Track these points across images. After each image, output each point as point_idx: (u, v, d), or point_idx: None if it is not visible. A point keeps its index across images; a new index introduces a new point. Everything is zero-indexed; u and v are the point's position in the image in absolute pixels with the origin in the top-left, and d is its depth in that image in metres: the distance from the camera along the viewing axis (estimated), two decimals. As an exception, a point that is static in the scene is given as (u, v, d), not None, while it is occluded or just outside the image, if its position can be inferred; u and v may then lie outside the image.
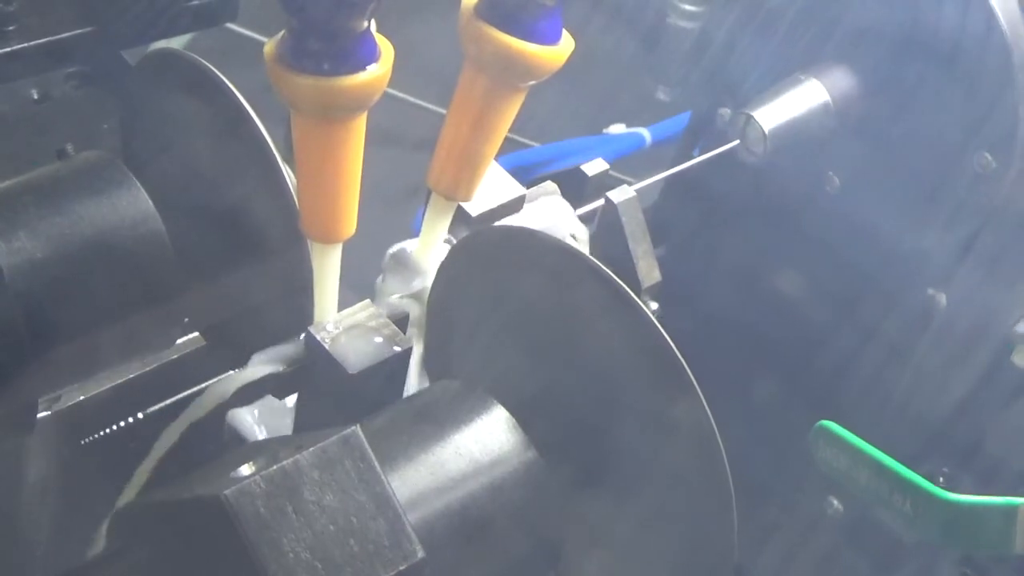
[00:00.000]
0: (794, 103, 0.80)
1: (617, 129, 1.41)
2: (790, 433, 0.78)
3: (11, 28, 0.87)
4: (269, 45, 0.57)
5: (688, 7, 1.38)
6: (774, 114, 0.79)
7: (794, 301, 0.90)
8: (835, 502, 0.86)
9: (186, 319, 0.65)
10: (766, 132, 0.78)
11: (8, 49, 0.87)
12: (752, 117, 0.79)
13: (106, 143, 0.78)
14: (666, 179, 0.84)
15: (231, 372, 0.62)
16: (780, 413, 0.88)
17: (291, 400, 0.65)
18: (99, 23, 0.90)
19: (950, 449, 0.81)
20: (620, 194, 0.73)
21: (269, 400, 0.63)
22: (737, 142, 0.80)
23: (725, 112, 0.90)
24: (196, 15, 0.93)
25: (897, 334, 0.82)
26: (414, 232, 0.70)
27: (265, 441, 0.60)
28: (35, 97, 0.91)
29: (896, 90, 0.80)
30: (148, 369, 0.67)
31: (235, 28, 1.20)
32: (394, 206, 1.10)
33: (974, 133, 0.75)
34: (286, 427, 0.65)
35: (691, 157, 0.89)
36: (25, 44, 0.88)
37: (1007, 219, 0.77)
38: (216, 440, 0.64)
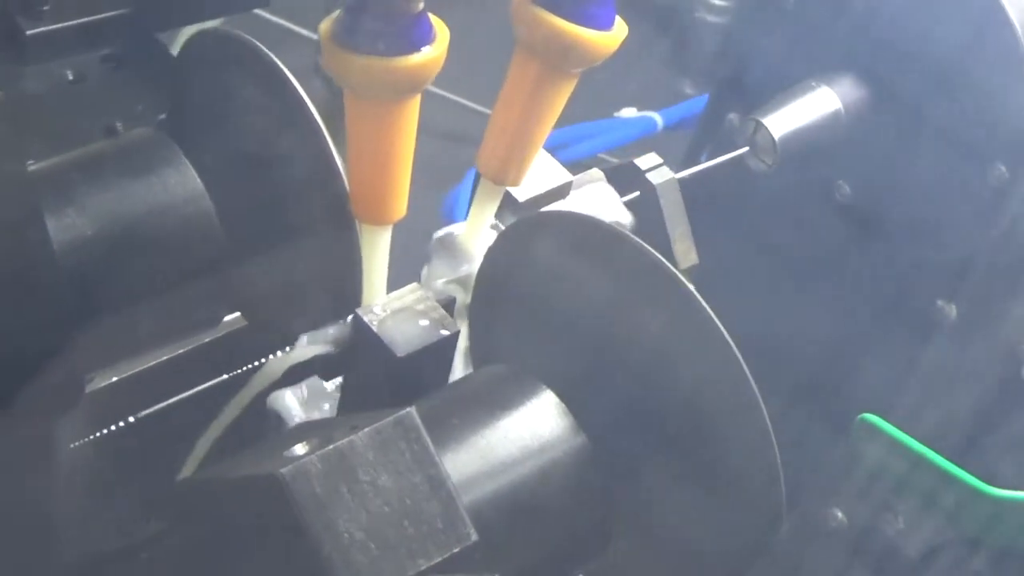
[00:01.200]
0: (805, 110, 0.78)
1: (629, 113, 1.36)
2: (794, 437, 0.78)
3: (45, 8, 0.87)
4: (325, 24, 0.57)
5: (716, 1, 1.38)
6: (785, 121, 0.77)
7: (800, 307, 0.88)
8: (839, 514, 0.85)
9: (233, 299, 0.64)
10: (776, 139, 0.76)
11: (42, 29, 0.86)
12: (762, 124, 0.77)
13: (140, 125, 0.77)
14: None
15: (281, 352, 0.62)
16: (785, 418, 0.87)
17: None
18: (132, 5, 0.90)
19: (959, 462, 0.80)
20: (659, 176, 0.72)
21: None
22: (746, 149, 0.78)
23: (734, 117, 0.87)
24: (228, -1, 0.93)
25: (906, 346, 0.81)
26: (444, 219, 0.70)
27: (316, 422, 0.59)
28: (70, 78, 0.91)
29: (909, 99, 0.78)
30: (190, 348, 0.66)
31: (264, 15, 1.20)
32: (422, 196, 1.10)
33: (988, 144, 0.74)
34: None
35: (699, 160, 0.87)
36: (59, 25, 0.87)
37: (1020, 231, 0.76)
38: (257, 421, 0.63)
